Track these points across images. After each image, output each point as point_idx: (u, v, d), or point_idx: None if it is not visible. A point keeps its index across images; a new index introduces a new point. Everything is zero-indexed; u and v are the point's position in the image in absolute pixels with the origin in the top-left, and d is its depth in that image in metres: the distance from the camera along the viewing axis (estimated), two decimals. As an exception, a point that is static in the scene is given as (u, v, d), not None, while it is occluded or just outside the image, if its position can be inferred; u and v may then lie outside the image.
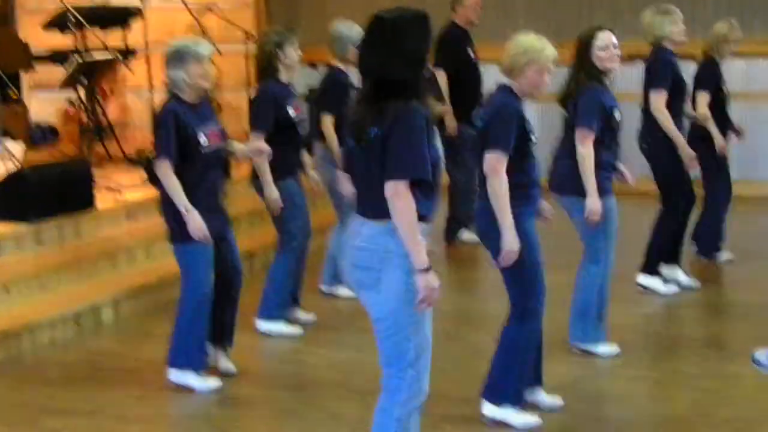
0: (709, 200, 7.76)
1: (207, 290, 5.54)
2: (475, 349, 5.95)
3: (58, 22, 9.64)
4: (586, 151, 5.62)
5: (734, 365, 5.62)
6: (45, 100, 10.83)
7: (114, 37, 9.94)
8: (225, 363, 5.76)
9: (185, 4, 9.69)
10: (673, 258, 7.21)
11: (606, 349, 5.90)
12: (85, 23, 9.40)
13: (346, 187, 4.08)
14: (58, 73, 9.25)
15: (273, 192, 6.14)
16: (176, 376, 5.53)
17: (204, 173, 5.45)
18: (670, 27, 6.92)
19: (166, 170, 5.33)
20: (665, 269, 7.16)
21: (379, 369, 3.92)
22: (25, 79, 10.26)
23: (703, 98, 7.44)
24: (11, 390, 5.82)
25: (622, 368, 5.86)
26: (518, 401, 4.96)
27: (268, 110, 6.22)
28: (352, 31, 6.62)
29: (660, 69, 6.86)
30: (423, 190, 3.72)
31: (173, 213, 5.38)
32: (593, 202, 5.57)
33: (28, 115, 10.35)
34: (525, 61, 4.82)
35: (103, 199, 7.81)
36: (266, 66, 6.29)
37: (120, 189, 7.97)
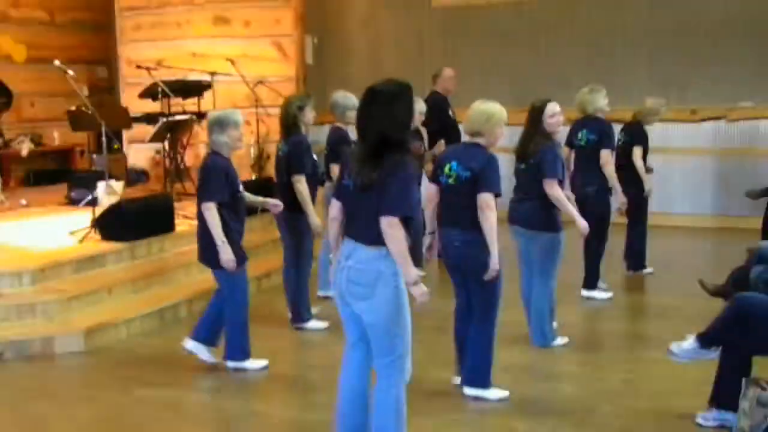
0: (637, 228, 7.74)
1: (247, 308, 5.50)
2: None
3: (151, 93, 9.71)
4: (558, 193, 5.63)
5: (655, 352, 5.58)
6: (139, 151, 10.90)
7: (191, 104, 9.99)
8: (209, 357, 5.61)
9: (244, 79, 9.73)
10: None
11: (558, 341, 5.91)
12: (170, 93, 9.46)
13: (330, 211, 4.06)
14: (149, 130, 9.31)
15: (316, 219, 6.14)
16: (235, 364, 5.52)
17: (241, 213, 5.41)
18: (603, 101, 6.90)
19: (212, 210, 5.21)
20: (601, 282, 7.15)
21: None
22: (125, 135, 10.30)
23: (639, 152, 7.48)
24: (111, 367, 5.81)
25: (570, 355, 5.84)
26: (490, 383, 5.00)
27: (306, 157, 6.19)
28: (348, 99, 6.64)
29: (608, 134, 6.86)
30: (407, 223, 3.71)
31: (213, 244, 5.26)
32: (582, 223, 5.73)
33: (127, 161, 10.41)
34: (492, 123, 4.86)
35: (180, 224, 7.83)
36: (291, 124, 6.19)
37: (193, 217, 7.95)
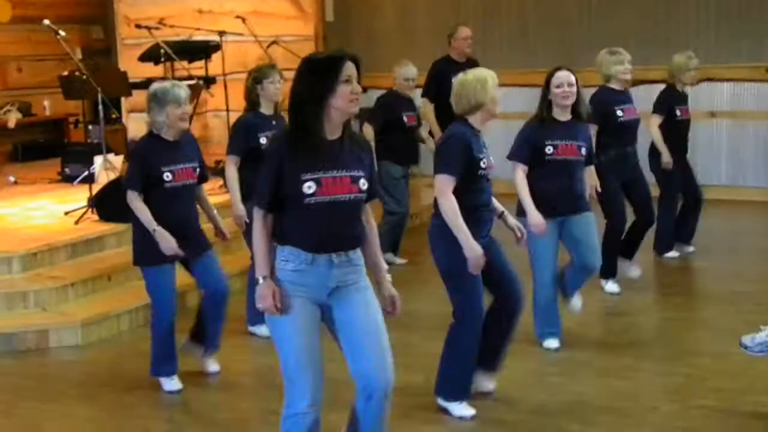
0: (662, 206, 7.61)
1: (169, 314, 5.27)
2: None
3: (152, 55, 9.73)
4: (516, 178, 5.48)
5: (723, 345, 5.56)
6: (140, 120, 10.89)
7: (197, 67, 10.02)
8: (209, 364, 5.52)
9: (256, 38, 9.74)
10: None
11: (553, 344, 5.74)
12: (173, 56, 9.49)
13: None
14: (150, 97, 9.34)
15: (240, 209, 5.86)
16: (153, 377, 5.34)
17: (170, 204, 5.13)
18: (615, 67, 6.66)
19: (133, 199, 5.09)
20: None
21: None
22: (124, 103, 10.36)
23: (655, 120, 7.39)
24: (111, 362, 5.88)
25: (627, 348, 5.83)
26: (462, 396, 4.82)
27: (240, 139, 5.99)
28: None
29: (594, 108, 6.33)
30: (289, 215, 3.60)
31: (139, 237, 5.18)
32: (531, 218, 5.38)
33: (126, 133, 10.47)
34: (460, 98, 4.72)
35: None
36: (248, 99, 6.04)
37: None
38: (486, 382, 5.00)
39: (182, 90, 5.13)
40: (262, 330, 6.04)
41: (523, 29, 10.92)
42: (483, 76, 4.70)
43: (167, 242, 5.05)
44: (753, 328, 4.67)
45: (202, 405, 5.19)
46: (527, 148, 5.48)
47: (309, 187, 3.50)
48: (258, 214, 3.63)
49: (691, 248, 7.81)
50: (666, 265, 7.64)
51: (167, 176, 5.08)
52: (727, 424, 4.64)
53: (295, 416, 3.56)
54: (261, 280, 3.59)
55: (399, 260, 8.01)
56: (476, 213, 4.66)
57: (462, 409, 4.80)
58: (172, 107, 5.06)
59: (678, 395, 5.09)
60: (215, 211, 5.57)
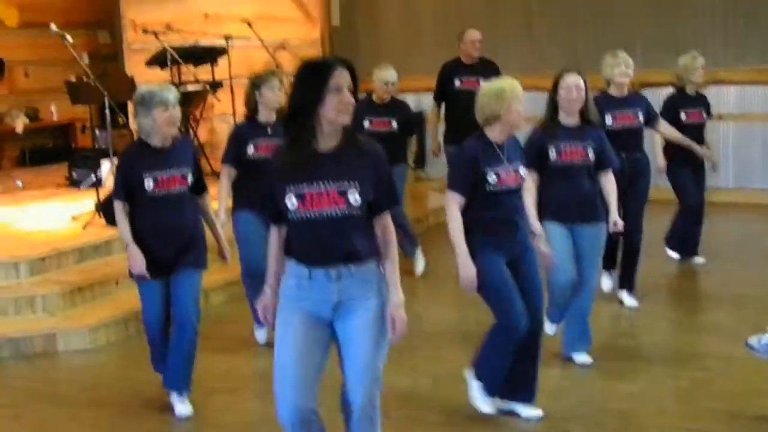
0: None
1: (153, 325, 5.10)
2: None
3: (159, 60, 9.80)
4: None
5: (730, 347, 5.57)
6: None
7: (204, 72, 10.06)
8: (180, 407, 5.09)
9: (263, 43, 9.77)
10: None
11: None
12: (180, 60, 9.54)
13: None
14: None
15: (222, 219, 5.60)
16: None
17: (152, 214, 4.90)
18: (611, 70, 6.51)
19: (117, 210, 4.93)
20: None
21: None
22: (131, 107, 10.39)
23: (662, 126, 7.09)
24: (120, 367, 5.92)
25: (634, 350, 5.84)
26: (488, 389, 4.78)
27: (230, 148, 5.88)
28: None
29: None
30: (288, 230, 3.58)
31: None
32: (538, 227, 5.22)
33: (133, 137, 10.47)
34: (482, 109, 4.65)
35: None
36: (247, 105, 5.90)
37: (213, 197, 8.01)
38: (526, 411, 4.86)
39: (170, 93, 4.90)
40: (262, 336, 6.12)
41: (528, 32, 10.93)
42: (500, 87, 4.61)
43: (135, 261, 4.86)
44: (759, 330, 4.68)
45: (211, 409, 5.21)
46: (533, 152, 5.32)
47: (292, 203, 3.42)
48: (272, 227, 3.65)
49: (676, 256, 7.78)
50: (672, 269, 7.64)
51: (148, 183, 4.84)
52: (735, 427, 4.65)
53: (284, 425, 3.53)
54: (267, 290, 3.66)
55: None
56: (493, 227, 4.61)
57: (482, 402, 4.78)
58: (159, 110, 4.81)
59: (685, 398, 5.11)
60: (220, 229, 5.36)
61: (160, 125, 4.85)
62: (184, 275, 4.99)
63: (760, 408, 4.81)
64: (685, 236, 7.64)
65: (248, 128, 5.89)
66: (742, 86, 10.10)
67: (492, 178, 4.56)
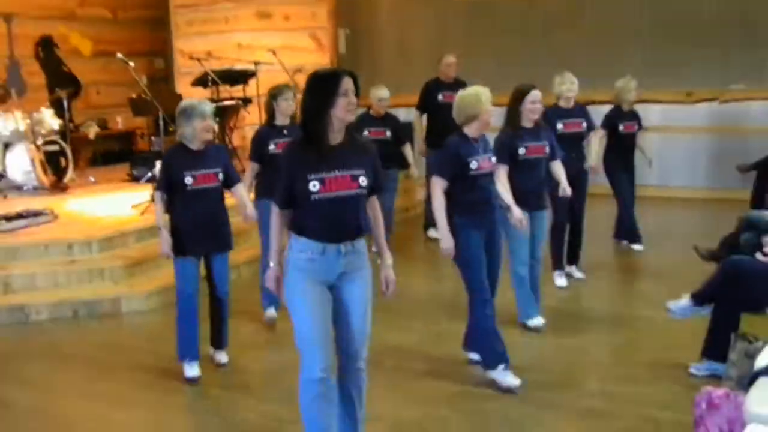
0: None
1: (186, 303, 4.84)
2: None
3: (201, 81, 9.75)
4: (499, 178, 5.07)
5: (654, 311, 5.57)
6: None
7: (237, 90, 10.03)
8: (219, 357, 5.09)
9: (284, 67, 9.74)
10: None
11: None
12: (218, 81, 9.50)
13: None
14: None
15: (250, 209, 5.31)
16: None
17: (191, 204, 4.77)
18: (561, 87, 6.46)
19: (156, 199, 4.83)
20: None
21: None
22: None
23: (596, 132, 6.96)
24: (172, 324, 5.87)
25: (576, 314, 5.83)
26: (498, 361, 4.56)
27: (254, 147, 5.77)
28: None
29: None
30: (301, 212, 3.44)
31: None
32: (515, 212, 5.04)
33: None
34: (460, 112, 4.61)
35: (229, 197, 7.80)
36: (267, 112, 5.83)
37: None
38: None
39: (207, 106, 4.84)
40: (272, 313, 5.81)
41: (497, 59, 10.87)
42: (478, 92, 4.61)
43: (164, 243, 4.73)
44: (676, 297, 4.68)
45: (245, 358, 5.20)
46: (506, 150, 5.25)
47: (314, 186, 3.37)
48: (275, 210, 3.51)
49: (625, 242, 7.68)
50: (610, 251, 7.62)
51: (188, 180, 4.74)
52: (655, 374, 4.66)
53: (311, 380, 3.39)
54: (271, 265, 3.53)
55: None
56: (474, 208, 4.55)
57: (507, 378, 4.53)
58: (197, 120, 4.75)
59: (618, 352, 5.11)
60: (247, 199, 5.16)
61: (198, 132, 4.78)
62: (218, 255, 4.94)
63: (675, 358, 4.80)
64: (629, 225, 7.56)
65: (268, 131, 5.78)
66: (664, 105, 10.11)
67: (473, 164, 4.54)
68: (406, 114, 10.55)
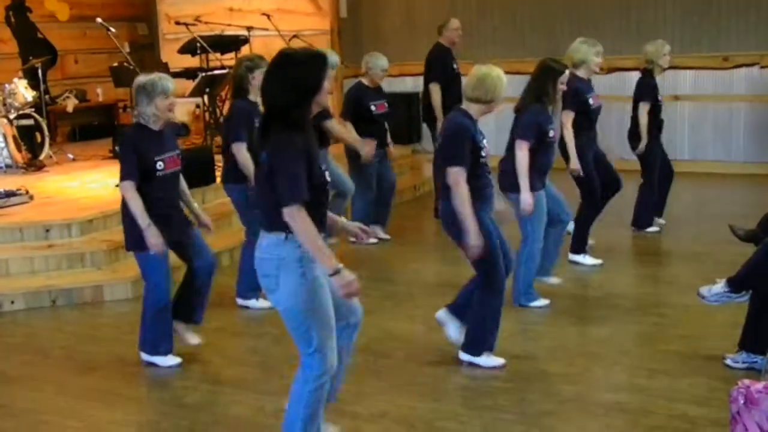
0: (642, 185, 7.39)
1: (164, 296, 4.84)
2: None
3: (189, 48, 9.72)
4: (519, 156, 5.30)
5: (685, 297, 5.55)
6: (179, 105, 10.86)
7: (228, 59, 9.98)
8: (190, 337, 5.09)
9: (279, 33, 9.70)
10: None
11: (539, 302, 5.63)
12: (208, 49, 9.46)
13: None
14: (188, 85, 9.32)
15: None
16: (146, 357, 4.95)
17: (161, 191, 4.71)
18: (593, 57, 6.34)
19: (129, 190, 4.61)
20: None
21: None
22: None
23: (644, 107, 7.01)
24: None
25: (602, 299, 5.83)
26: (489, 350, 4.71)
27: (243, 125, 5.45)
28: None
29: (570, 91, 5.99)
30: (309, 206, 3.30)
31: (132, 225, 4.65)
32: (524, 198, 5.25)
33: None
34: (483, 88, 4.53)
35: (220, 176, 7.83)
36: (237, 86, 5.58)
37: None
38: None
39: (169, 82, 4.70)
40: (253, 303, 5.82)
41: (512, 22, 10.82)
42: (501, 76, 4.55)
43: (156, 239, 4.59)
44: (709, 282, 4.66)
45: (235, 350, 5.22)
46: (538, 130, 5.31)
47: (327, 174, 3.41)
48: (302, 210, 3.25)
49: (662, 221, 7.59)
50: (636, 232, 7.57)
51: (159, 165, 4.65)
52: (687, 366, 4.64)
53: (325, 372, 3.46)
54: (342, 272, 3.31)
55: (384, 235, 7.45)
56: (483, 192, 4.57)
57: (491, 360, 4.70)
58: (160, 98, 4.62)
59: (645, 341, 5.10)
60: (195, 203, 5.12)
61: (162, 111, 4.67)
62: (191, 234, 4.94)
63: (709, 349, 4.80)
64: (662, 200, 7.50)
65: (251, 106, 5.48)
66: (696, 71, 10.03)
67: (484, 151, 4.53)
68: (413, 84, 10.55)
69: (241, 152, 5.51)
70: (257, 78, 5.37)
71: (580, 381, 4.52)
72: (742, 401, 3.39)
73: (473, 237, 4.42)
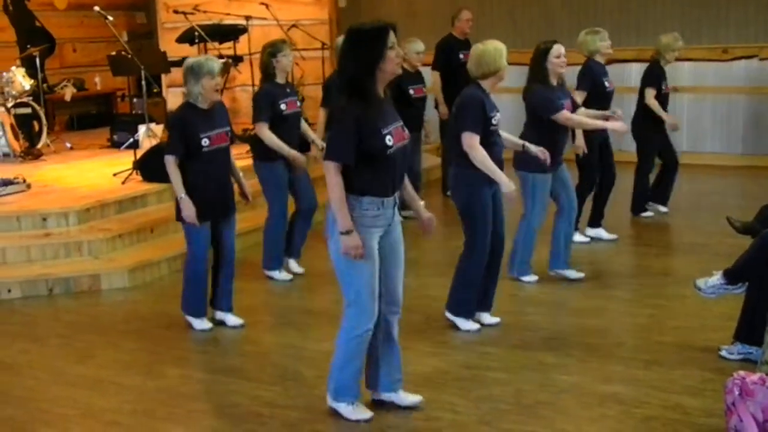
0: (638, 170, 7.58)
1: (200, 265, 5.16)
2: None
3: (187, 38, 9.67)
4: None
5: (681, 288, 5.56)
6: (177, 94, 10.86)
7: (227, 48, 9.96)
8: (232, 319, 5.37)
9: (278, 22, 9.68)
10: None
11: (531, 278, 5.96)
12: (206, 38, 9.43)
13: None
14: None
15: (297, 154, 5.83)
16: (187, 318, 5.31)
17: (207, 168, 5.01)
18: (600, 43, 6.61)
19: (170, 164, 4.95)
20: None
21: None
22: (164, 79, 10.31)
23: (650, 92, 7.25)
24: (154, 302, 5.92)
25: (597, 290, 5.84)
26: (467, 313, 5.09)
27: (265, 106, 5.82)
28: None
29: (583, 75, 6.55)
30: (369, 169, 3.64)
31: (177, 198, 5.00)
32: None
33: (166, 105, 10.43)
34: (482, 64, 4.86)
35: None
36: (265, 72, 5.90)
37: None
38: (488, 319, 5.18)
39: (215, 63, 4.99)
40: (276, 274, 6.18)
41: (510, 13, 10.82)
42: (500, 47, 4.85)
43: (189, 210, 4.93)
44: (706, 274, 4.67)
45: (230, 340, 5.23)
46: (553, 107, 5.56)
47: (389, 140, 3.62)
48: (336, 169, 3.61)
49: (664, 209, 7.73)
50: (636, 221, 7.62)
51: (205, 141, 4.95)
52: (683, 357, 4.65)
53: (364, 334, 3.79)
54: (351, 233, 3.63)
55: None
56: (492, 160, 4.80)
57: (468, 324, 5.06)
58: (206, 79, 4.91)
59: (641, 332, 5.11)
60: (241, 174, 5.40)
61: (208, 91, 4.94)
62: (229, 218, 5.24)
63: (704, 340, 4.81)
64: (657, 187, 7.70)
65: (276, 89, 5.88)
66: (696, 63, 10.02)
67: (495, 119, 4.82)
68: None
69: (263, 131, 5.82)
70: (281, 61, 5.84)
71: (575, 372, 4.52)
72: (737, 392, 3.41)
73: (505, 185, 4.72)
